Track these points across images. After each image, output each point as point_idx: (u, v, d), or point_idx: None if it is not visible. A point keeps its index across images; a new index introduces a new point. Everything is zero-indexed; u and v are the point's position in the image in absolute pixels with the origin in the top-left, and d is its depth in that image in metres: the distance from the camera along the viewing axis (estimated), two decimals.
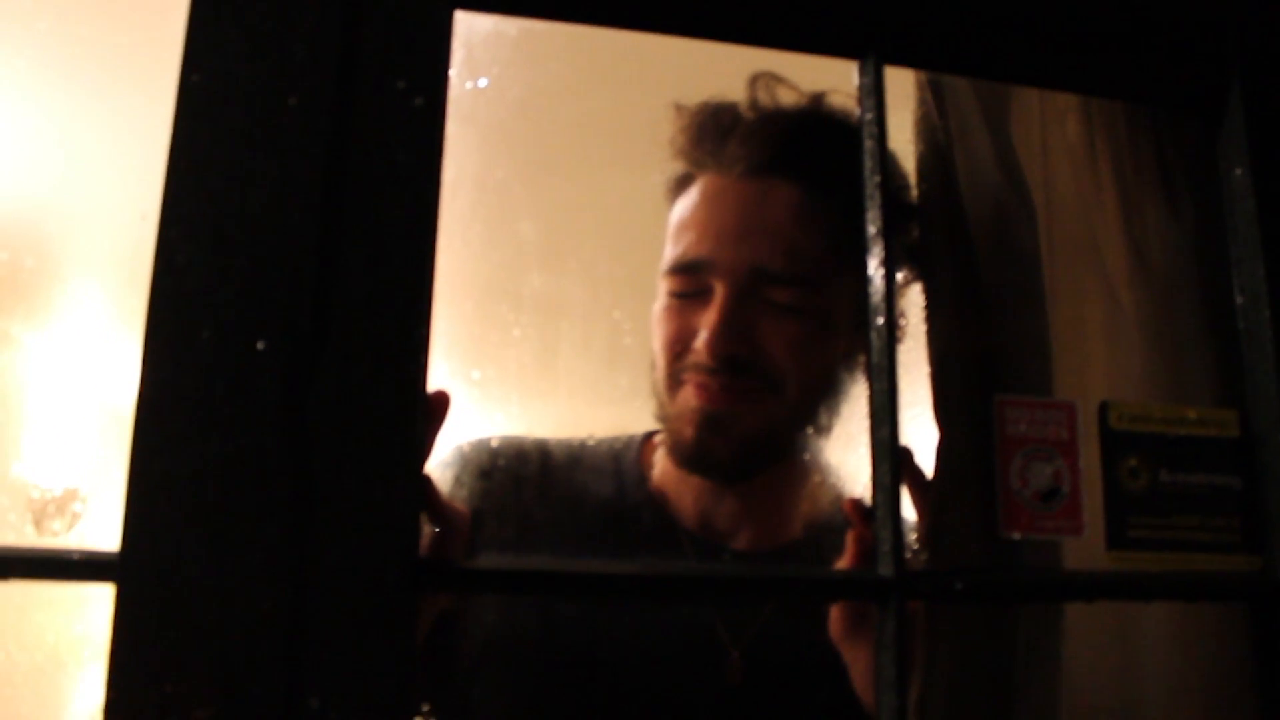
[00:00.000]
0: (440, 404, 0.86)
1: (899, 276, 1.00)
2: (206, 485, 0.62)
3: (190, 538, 0.61)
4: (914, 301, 0.98)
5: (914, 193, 1.03)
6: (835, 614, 1.00)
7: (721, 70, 1.14)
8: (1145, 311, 0.96)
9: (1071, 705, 0.90)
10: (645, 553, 1.20)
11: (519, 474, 1.24)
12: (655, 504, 1.22)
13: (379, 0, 0.70)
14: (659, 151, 1.20)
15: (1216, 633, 0.92)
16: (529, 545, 1.18)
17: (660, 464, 1.24)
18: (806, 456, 1.20)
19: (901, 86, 0.98)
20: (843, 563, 0.96)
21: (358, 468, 0.64)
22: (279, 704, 0.60)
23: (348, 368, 0.65)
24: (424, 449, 0.85)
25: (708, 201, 1.15)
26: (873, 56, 0.82)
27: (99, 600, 0.62)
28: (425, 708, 1.09)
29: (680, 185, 1.20)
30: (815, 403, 1.15)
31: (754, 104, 1.18)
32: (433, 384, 0.70)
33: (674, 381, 1.14)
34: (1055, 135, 0.99)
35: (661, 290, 1.17)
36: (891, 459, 0.75)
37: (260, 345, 0.64)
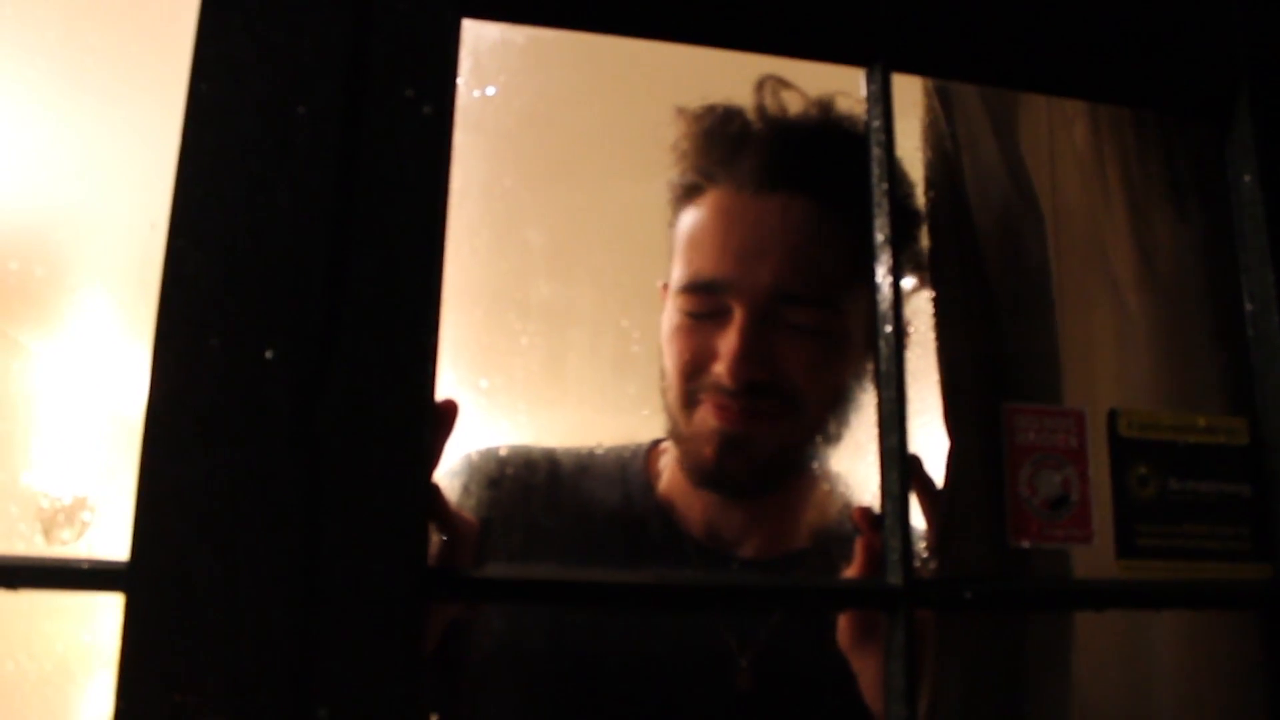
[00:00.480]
0: (449, 412, 0.86)
1: (907, 284, 1.00)
2: (215, 494, 0.62)
3: (199, 546, 0.61)
4: (920, 309, 0.98)
5: (919, 200, 1.03)
6: (843, 623, 1.00)
7: (728, 78, 1.13)
8: (1154, 318, 0.95)
9: (1082, 715, 0.89)
10: (652, 561, 1.20)
11: (527, 483, 1.23)
12: (662, 512, 1.22)
13: (388, 9, 0.71)
14: (666, 159, 1.19)
15: (1227, 641, 0.92)
16: (536, 554, 1.18)
17: (667, 473, 1.24)
18: (815, 465, 1.19)
19: (908, 94, 0.98)
20: (851, 571, 0.96)
21: (366, 476, 0.64)
22: (288, 713, 0.60)
23: (356, 376, 0.65)
24: (432, 458, 0.85)
25: (722, 218, 1.13)
26: (880, 64, 0.81)
27: (108, 609, 0.63)
28: (434, 717, 1.09)
29: (687, 195, 1.17)
30: (827, 414, 1.15)
31: (761, 111, 1.16)
32: (441, 392, 0.70)
33: (689, 400, 1.13)
34: (1063, 142, 0.99)
35: (673, 307, 1.15)
36: (900, 467, 0.75)
37: (269, 354, 0.64)
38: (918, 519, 0.89)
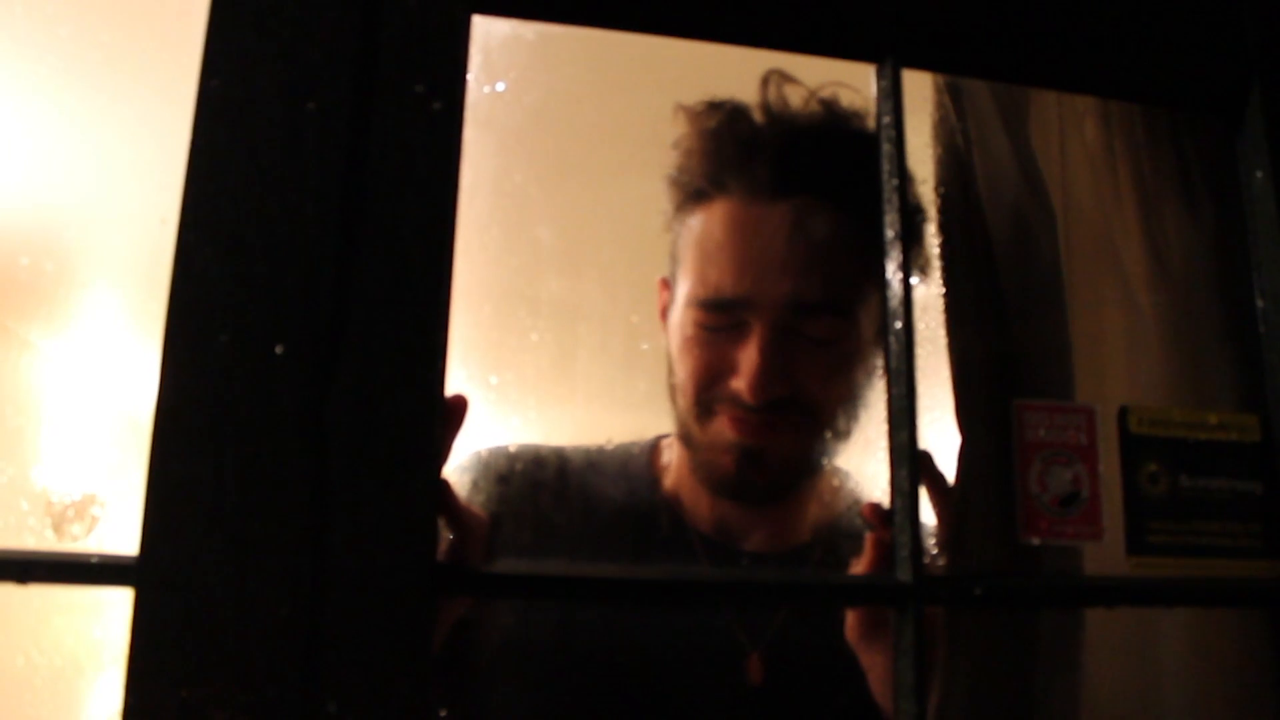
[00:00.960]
0: (458, 408, 0.86)
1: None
2: (225, 489, 0.62)
3: (209, 542, 0.61)
4: (928, 305, 0.98)
5: (917, 194, 1.02)
6: (851, 618, 1.00)
7: (738, 73, 1.12)
8: (1165, 315, 0.95)
9: (1092, 712, 0.89)
10: (658, 555, 1.20)
11: (536, 479, 1.23)
12: (668, 507, 1.22)
13: (397, 5, 0.71)
14: (671, 156, 1.18)
15: (1237, 638, 0.92)
16: (544, 550, 1.18)
17: (672, 468, 1.24)
18: (824, 461, 1.19)
19: (919, 89, 0.97)
20: (861, 566, 0.96)
21: (376, 472, 0.64)
22: (297, 708, 0.60)
23: (366, 372, 0.65)
24: (442, 453, 0.85)
25: (737, 231, 1.11)
26: (891, 60, 0.81)
27: (118, 604, 0.63)
28: (443, 712, 1.09)
29: (694, 200, 1.15)
30: (838, 413, 1.14)
31: (766, 108, 1.14)
32: (450, 388, 0.70)
33: (704, 410, 1.12)
34: (1073, 138, 0.99)
35: (686, 319, 1.13)
36: (910, 463, 0.75)
37: (279, 349, 0.64)
38: (928, 515, 0.88)
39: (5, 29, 2.41)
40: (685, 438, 1.16)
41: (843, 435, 1.16)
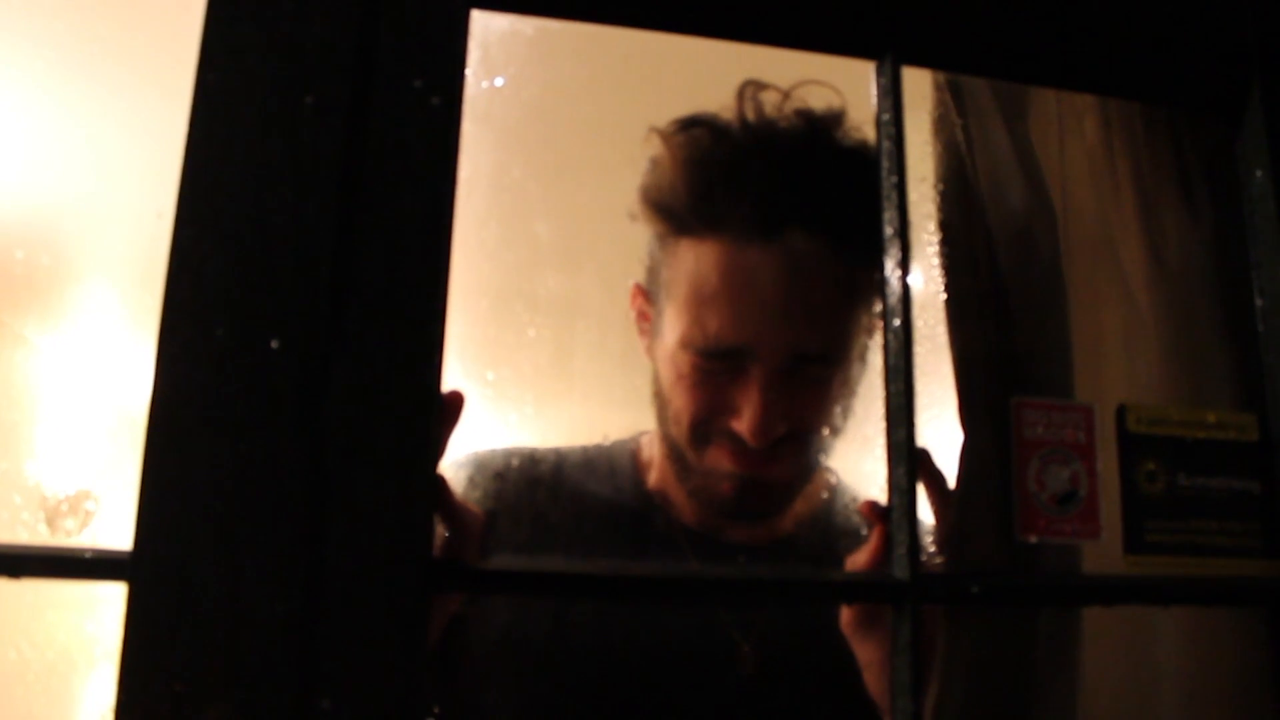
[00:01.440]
0: (454, 404, 0.86)
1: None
2: (219, 484, 0.62)
3: (203, 537, 0.61)
4: (926, 303, 0.97)
5: (921, 192, 1.01)
6: (847, 610, 1.00)
7: (736, 70, 1.11)
8: (1163, 314, 0.95)
9: (1089, 710, 0.89)
10: (647, 549, 1.20)
11: (531, 475, 1.23)
12: (654, 502, 1.22)
13: None
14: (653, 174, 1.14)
15: (1234, 637, 0.92)
16: (538, 547, 1.18)
17: (656, 464, 1.23)
18: (819, 461, 1.19)
19: (918, 87, 0.97)
20: (864, 558, 0.95)
21: (371, 467, 0.63)
22: (290, 704, 0.60)
23: (362, 367, 0.65)
24: (438, 449, 0.84)
25: (734, 277, 1.07)
26: (890, 57, 0.81)
27: (111, 599, 0.62)
28: (436, 709, 1.09)
29: (681, 231, 1.11)
30: (835, 422, 1.14)
31: (744, 124, 1.10)
32: (447, 384, 0.70)
33: (700, 440, 1.11)
34: (1073, 136, 0.99)
35: (681, 359, 1.10)
36: (908, 461, 0.75)
37: (275, 344, 0.64)
38: (925, 513, 0.88)
39: (1, 22, 2.40)
40: (678, 458, 1.16)
41: (837, 434, 1.16)
